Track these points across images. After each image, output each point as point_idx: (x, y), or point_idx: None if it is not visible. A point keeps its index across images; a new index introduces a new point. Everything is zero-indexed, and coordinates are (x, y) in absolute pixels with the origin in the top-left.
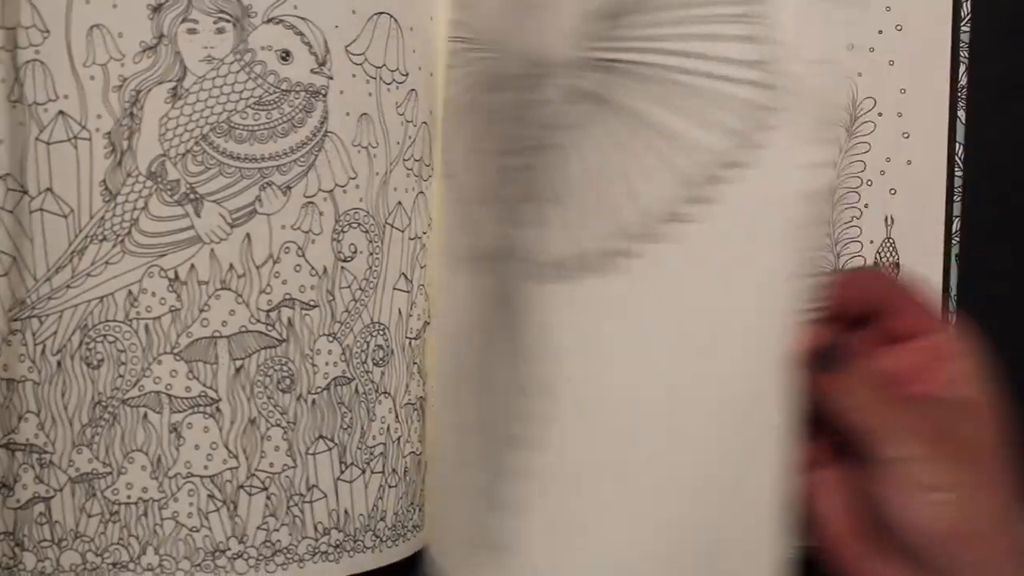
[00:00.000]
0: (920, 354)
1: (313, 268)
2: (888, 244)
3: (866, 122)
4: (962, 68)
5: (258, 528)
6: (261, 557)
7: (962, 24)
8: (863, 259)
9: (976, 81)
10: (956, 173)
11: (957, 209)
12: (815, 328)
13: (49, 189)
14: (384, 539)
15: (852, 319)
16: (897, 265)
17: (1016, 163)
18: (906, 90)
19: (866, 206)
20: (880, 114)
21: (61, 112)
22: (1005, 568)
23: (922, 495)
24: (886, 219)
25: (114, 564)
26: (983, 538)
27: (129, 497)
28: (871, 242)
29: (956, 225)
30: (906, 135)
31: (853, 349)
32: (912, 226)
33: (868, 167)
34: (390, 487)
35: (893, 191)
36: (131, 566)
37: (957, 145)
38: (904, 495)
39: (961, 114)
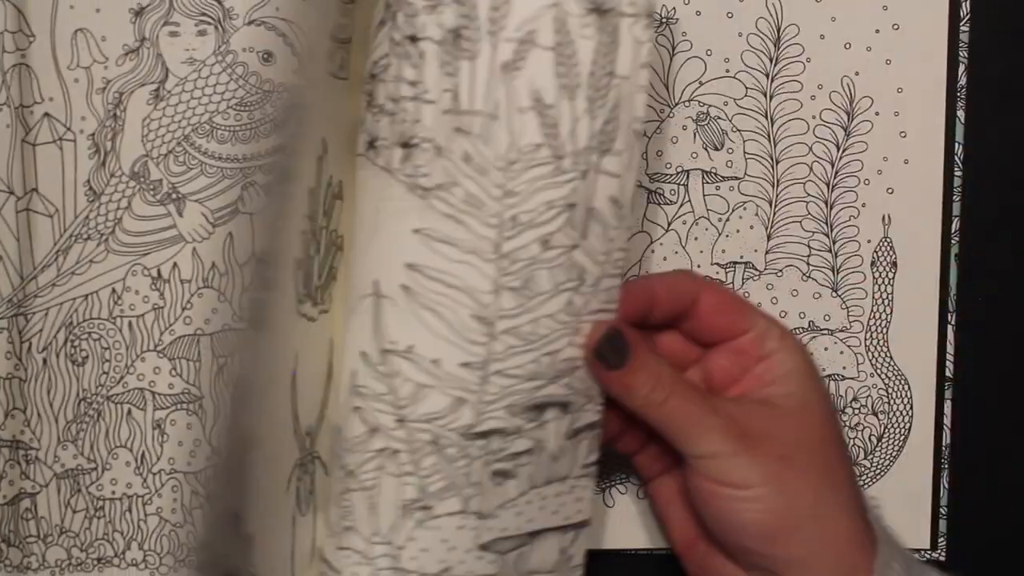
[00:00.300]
0: (732, 357)
1: None
2: (886, 243)
3: (864, 121)
4: (961, 68)
5: None
6: None
7: (961, 24)
8: (861, 259)
9: (975, 81)
10: (955, 173)
11: (957, 209)
12: (607, 327)
13: (35, 189)
14: None
15: (661, 320)
16: (895, 265)
17: (1015, 163)
18: (903, 89)
19: (863, 205)
20: (877, 113)
21: (46, 114)
22: (828, 561)
23: (730, 492)
24: (883, 218)
25: (99, 559)
26: (800, 533)
27: (113, 493)
28: (868, 241)
29: (955, 225)
30: (903, 134)
31: (643, 345)
32: (910, 225)
33: (865, 166)
34: None
35: (891, 190)
36: (115, 561)
37: (956, 145)
38: (713, 493)
39: (960, 114)
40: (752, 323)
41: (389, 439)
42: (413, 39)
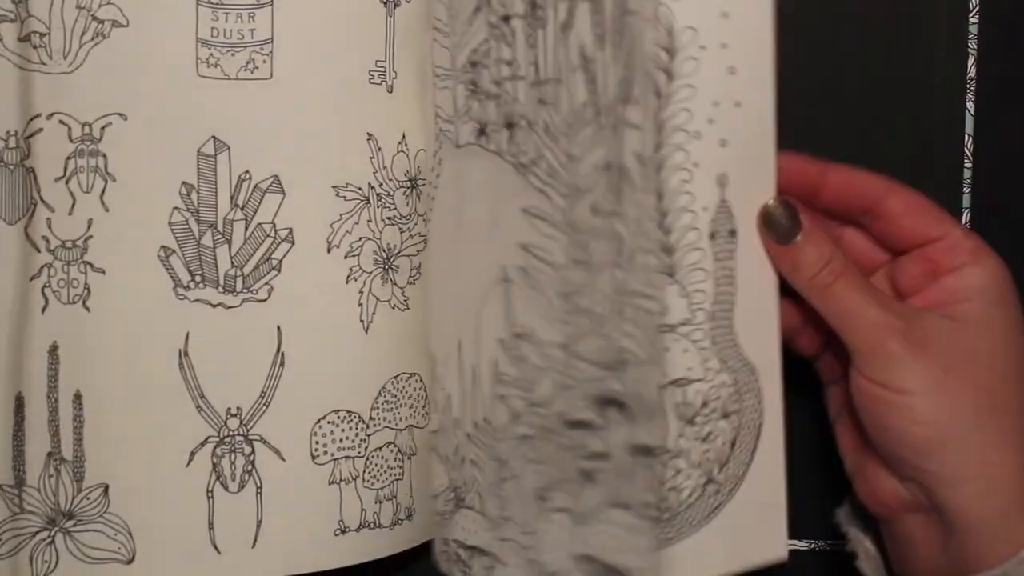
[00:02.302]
0: (921, 265)
1: None
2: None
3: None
4: (970, 60)
5: None
6: None
7: (970, 16)
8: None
9: (984, 73)
10: (965, 165)
11: (967, 200)
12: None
13: None
14: None
15: (833, 208)
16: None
17: None
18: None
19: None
20: (703, 47)
21: None
22: (983, 486)
23: (886, 395)
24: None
25: None
26: (955, 451)
27: None
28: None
29: (966, 217)
30: (732, 70)
31: (817, 224)
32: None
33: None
34: None
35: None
36: None
37: (966, 136)
38: (870, 395)
39: (970, 106)
40: (946, 231)
41: (525, 425)
42: (506, 19)
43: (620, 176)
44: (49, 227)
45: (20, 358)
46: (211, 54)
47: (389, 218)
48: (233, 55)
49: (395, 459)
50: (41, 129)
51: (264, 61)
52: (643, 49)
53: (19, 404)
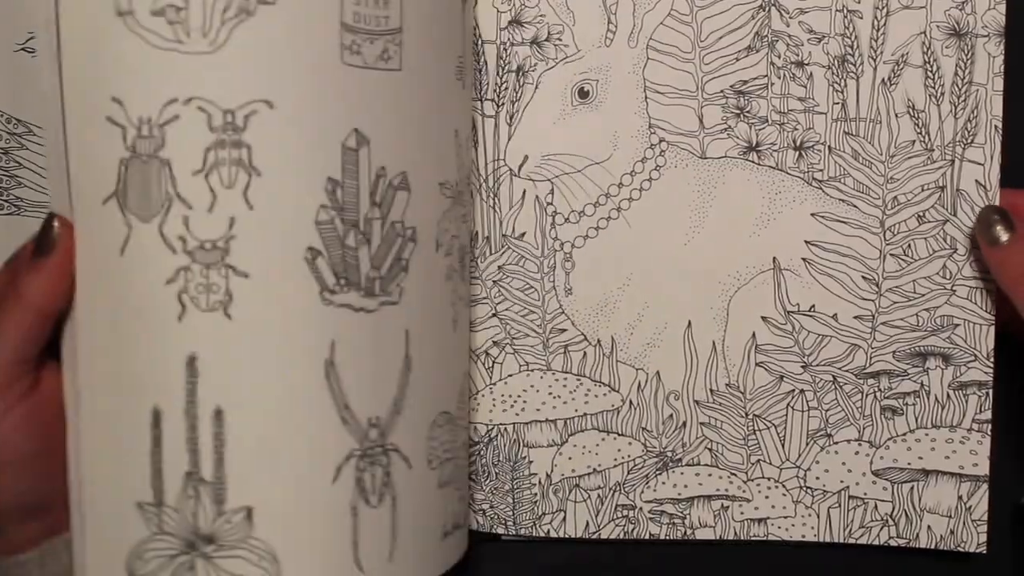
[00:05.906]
0: None
1: None
2: None
3: None
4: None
5: None
6: None
7: None
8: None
9: (1015, 52)
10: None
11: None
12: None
13: None
14: None
15: None
16: None
17: None
18: None
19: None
20: None
21: None
22: None
23: None
24: None
25: None
26: None
27: None
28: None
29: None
30: None
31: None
32: None
33: None
34: None
35: None
36: None
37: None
38: None
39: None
40: None
41: (796, 382)
42: (799, 64)
43: (956, 196)
44: (187, 226)
45: (156, 370)
46: (354, 40)
47: (464, 215)
48: (372, 43)
49: (467, 456)
50: (177, 116)
51: (395, 51)
52: (991, 111)
53: (156, 419)
